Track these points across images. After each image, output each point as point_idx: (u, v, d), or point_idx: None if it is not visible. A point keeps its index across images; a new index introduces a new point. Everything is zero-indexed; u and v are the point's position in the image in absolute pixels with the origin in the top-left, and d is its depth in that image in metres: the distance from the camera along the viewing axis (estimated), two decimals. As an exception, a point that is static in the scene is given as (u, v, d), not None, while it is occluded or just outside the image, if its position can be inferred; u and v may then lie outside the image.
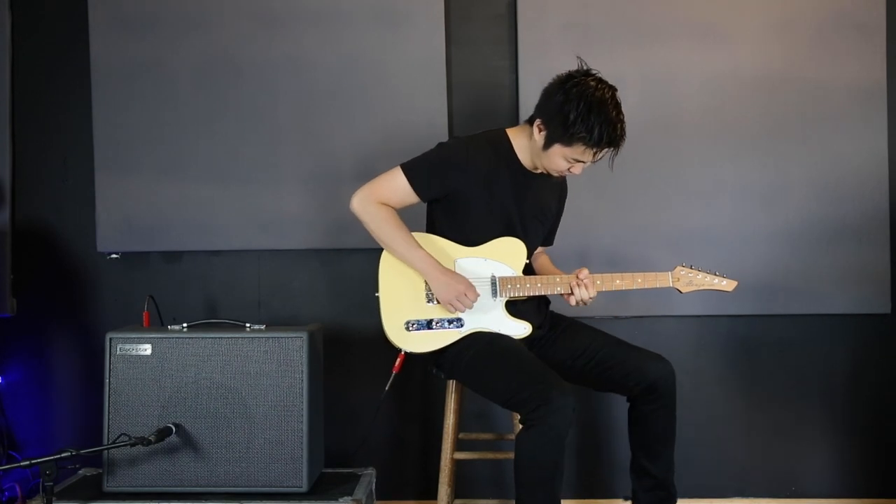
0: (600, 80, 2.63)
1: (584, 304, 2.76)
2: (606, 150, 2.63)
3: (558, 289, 2.77)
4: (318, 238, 3.43)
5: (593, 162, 2.68)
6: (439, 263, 2.71)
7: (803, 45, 3.36)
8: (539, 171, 2.78)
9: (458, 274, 2.72)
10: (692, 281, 2.79)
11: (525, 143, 2.76)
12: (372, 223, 2.73)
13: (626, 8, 3.37)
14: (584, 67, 2.67)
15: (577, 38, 3.35)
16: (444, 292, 2.69)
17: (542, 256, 3.01)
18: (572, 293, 2.76)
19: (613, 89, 2.63)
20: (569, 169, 2.69)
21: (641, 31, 3.37)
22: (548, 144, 2.65)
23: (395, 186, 2.73)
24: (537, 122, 2.67)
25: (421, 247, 2.72)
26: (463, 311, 2.72)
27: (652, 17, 3.37)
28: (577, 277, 2.75)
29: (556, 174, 2.75)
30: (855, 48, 3.35)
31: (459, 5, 3.44)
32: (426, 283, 2.74)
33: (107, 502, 2.81)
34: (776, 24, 3.36)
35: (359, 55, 3.40)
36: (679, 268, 2.79)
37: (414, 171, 2.72)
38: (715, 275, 2.79)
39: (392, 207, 2.74)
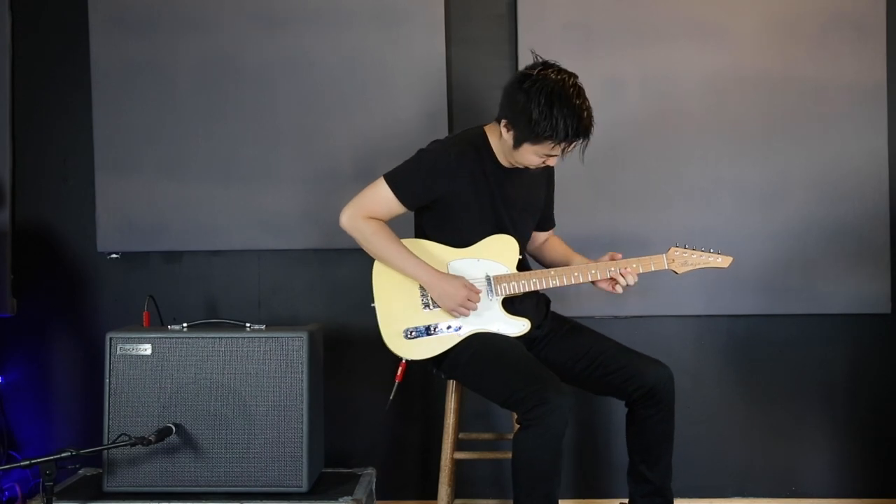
0: (560, 70, 2.60)
1: (628, 287, 2.76)
2: (576, 141, 2.60)
3: (553, 281, 2.76)
4: (318, 238, 3.43)
5: (563, 156, 2.65)
6: (436, 270, 2.70)
7: (803, 45, 3.36)
8: (514, 166, 2.76)
9: (456, 278, 2.71)
10: (687, 261, 2.78)
11: (498, 141, 2.73)
12: (363, 239, 2.72)
13: (626, 8, 3.37)
14: (540, 59, 2.65)
15: (577, 38, 3.35)
16: (446, 300, 2.69)
17: (557, 244, 2.98)
18: (615, 281, 2.75)
19: (574, 77, 2.59)
20: (543, 162, 2.67)
21: (641, 31, 3.37)
22: (517, 144, 2.63)
23: (381, 199, 2.70)
24: (503, 122, 2.65)
25: (415, 256, 2.71)
26: (468, 316, 2.71)
27: (652, 16, 3.37)
28: (613, 260, 2.74)
29: (532, 167, 2.72)
30: (855, 48, 3.34)
31: (459, 5, 3.44)
32: (421, 290, 2.74)
33: (107, 502, 2.82)
34: (776, 24, 3.36)
35: (359, 55, 3.40)
36: (673, 249, 2.78)
37: (398, 181, 2.70)
38: (710, 252, 2.78)
39: (381, 220, 2.73)
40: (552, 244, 2.99)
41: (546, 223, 2.99)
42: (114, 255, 3.48)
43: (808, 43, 3.35)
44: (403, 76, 3.40)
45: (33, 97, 3.51)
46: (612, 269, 2.75)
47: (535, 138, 2.58)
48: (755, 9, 3.36)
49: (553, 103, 2.53)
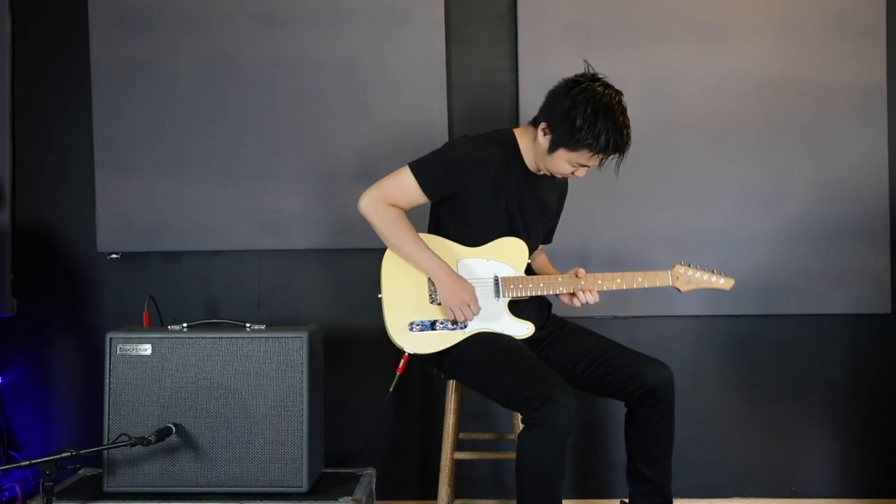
0: (607, 85, 2.62)
1: (589, 304, 2.77)
2: (612, 156, 2.63)
3: (560, 288, 2.77)
4: (318, 238, 3.43)
5: (599, 167, 2.68)
6: (449, 267, 2.71)
7: (804, 45, 3.36)
8: (542, 172, 2.78)
9: (467, 283, 2.71)
10: (691, 279, 2.79)
11: (529, 145, 2.75)
12: (381, 225, 2.72)
13: (627, 8, 3.37)
14: (591, 71, 2.66)
15: (578, 38, 3.35)
16: (448, 297, 2.69)
17: (541, 255, 3.01)
18: (574, 296, 2.76)
19: (620, 94, 2.62)
20: (572, 172, 2.70)
21: (642, 32, 3.37)
22: (553, 148, 2.65)
23: (404, 186, 2.71)
24: (542, 125, 2.66)
25: (430, 249, 2.71)
26: (461, 321, 2.71)
27: (653, 17, 3.37)
28: (577, 276, 2.75)
29: (559, 176, 2.75)
30: (855, 48, 3.35)
31: (459, 5, 3.44)
32: (430, 284, 2.74)
33: (107, 502, 2.81)
34: (777, 25, 3.36)
35: (359, 55, 3.40)
36: (678, 266, 2.79)
37: (422, 170, 2.71)
38: (713, 273, 2.80)
39: (400, 208, 2.73)
40: (538, 258, 2.99)
41: (547, 237, 2.99)
42: (114, 255, 3.48)
43: (808, 43, 3.35)
44: (403, 76, 3.40)
45: (33, 97, 3.51)
46: (619, 279, 2.76)
47: (575, 145, 2.60)
48: (755, 9, 3.36)
49: (598, 114, 2.56)
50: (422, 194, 2.71)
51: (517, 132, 2.79)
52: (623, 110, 2.61)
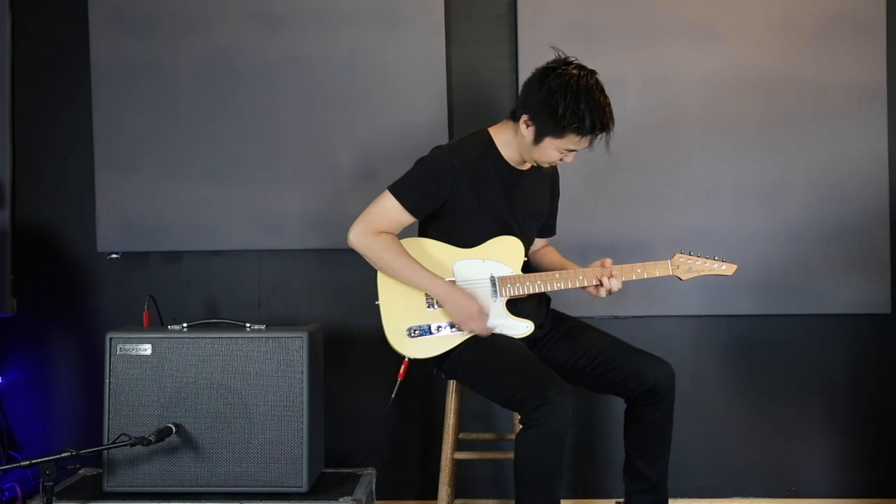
0: (581, 67, 2.62)
1: (612, 293, 2.74)
2: (599, 135, 2.63)
3: (559, 284, 2.76)
4: (318, 238, 3.43)
5: (591, 145, 2.66)
6: (448, 284, 2.70)
7: (803, 44, 3.36)
8: (526, 166, 2.77)
9: (469, 295, 2.70)
10: (692, 267, 2.78)
11: (509, 140, 2.74)
12: (373, 255, 2.71)
13: (627, 8, 3.37)
14: (562, 56, 2.66)
15: (577, 38, 3.35)
16: (457, 313, 2.70)
17: (551, 252, 2.99)
18: (601, 285, 2.74)
19: (594, 73, 2.63)
20: (561, 159, 2.69)
21: (641, 31, 3.37)
22: (538, 139, 2.65)
23: (388, 212, 2.70)
24: (524, 118, 2.66)
25: (426, 269, 2.70)
26: (479, 333, 2.71)
27: (652, 17, 3.37)
28: (604, 266, 2.74)
29: (547, 165, 2.74)
30: (855, 48, 3.35)
31: (459, 5, 3.44)
32: None
33: (107, 502, 2.82)
34: (776, 24, 3.36)
35: (359, 55, 3.40)
36: (678, 255, 2.78)
37: (402, 191, 2.70)
38: (714, 259, 2.79)
39: (390, 234, 2.72)
40: (547, 252, 2.99)
41: (547, 230, 2.99)
42: (114, 255, 3.48)
43: (808, 43, 3.35)
44: (403, 76, 3.40)
45: (33, 97, 3.51)
46: (616, 272, 2.74)
47: (561, 131, 2.60)
48: (755, 9, 3.36)
49: (580, 97, 2.56)
50: (408, 215, 2.71)
51: (492, 130, 2.78)
52: (601, 88, 2.61)
